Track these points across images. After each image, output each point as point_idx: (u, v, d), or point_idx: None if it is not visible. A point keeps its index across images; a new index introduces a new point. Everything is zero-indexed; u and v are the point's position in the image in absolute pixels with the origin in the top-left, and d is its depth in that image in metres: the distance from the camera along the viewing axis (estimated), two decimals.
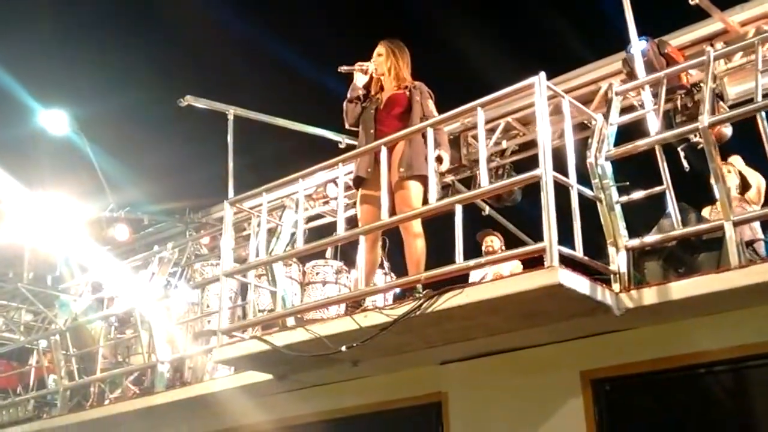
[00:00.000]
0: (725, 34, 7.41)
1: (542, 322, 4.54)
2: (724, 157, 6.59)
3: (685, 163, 5.38)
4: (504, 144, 8.84)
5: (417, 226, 5.25)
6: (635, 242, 4.48)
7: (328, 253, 8.35)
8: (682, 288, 4.16)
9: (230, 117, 7.40)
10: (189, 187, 12.18)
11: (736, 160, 6.80)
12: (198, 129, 11.36)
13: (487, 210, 9.68)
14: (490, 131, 8.96)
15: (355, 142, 8.82)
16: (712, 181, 5.98)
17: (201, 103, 7.36)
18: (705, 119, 4.23)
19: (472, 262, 4.35)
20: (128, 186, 11.63)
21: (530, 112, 8.59)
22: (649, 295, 4.25)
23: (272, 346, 5.11)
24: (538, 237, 4.24)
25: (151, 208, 10.97)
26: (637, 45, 5.83)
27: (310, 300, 7.11)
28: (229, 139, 7.32)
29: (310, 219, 9.20)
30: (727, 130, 6.54)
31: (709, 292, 4.07)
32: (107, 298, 8.43)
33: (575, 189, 4.38)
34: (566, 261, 4.13)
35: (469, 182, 9.40)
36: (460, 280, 4.89)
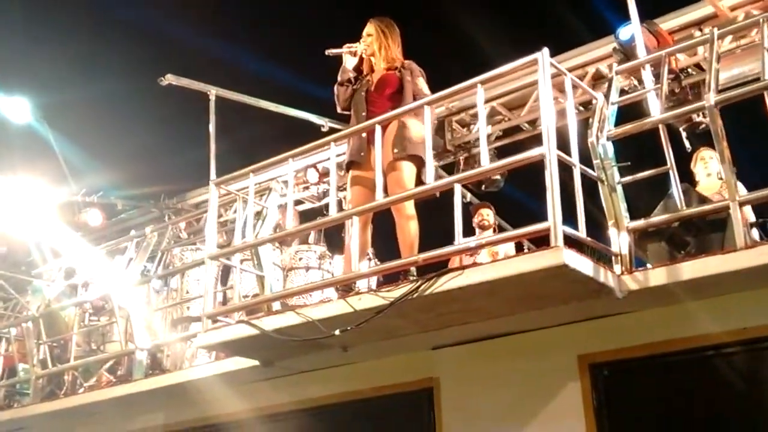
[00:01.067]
0: (714, 19, 7.38)
1: (541, 305, 4.44)
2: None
3: (687, 144, 5.30)
4: (489, 129, 8.75)
5: (410, 208, 5.12)
6: (637, 223, 4.39)
7: (311, 238, 8.21)
8: (686, 269, 4.07)
9: (212, 98, 7.20)
10: (164, 172, 11.92)
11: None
12: (173, 113, 11.11)
13: (469, 197, 9.59)
14: (474, 116, 8.89)
15: (339, 126, 8.78)
16: (707, 163, 5.98)
17: (182, 83, 7.14)
18: (711, 98, 4.14)
19: (472, 243, 4.22)
20: (101, 170, 11.30)
21: (515, 97, 8.56)
22: (653, 277, 4.16)
23: (261, 331, 4.95)
24: (520, 223, 4.20)
25: (125, 192, 10.69)
26: (637, 26, 5.71)
27: (294, 285, 6.96)
28: (211, 119, 7.12)
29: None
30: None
31: (714, 274, 3.99)
32: (81, 283, 8.18)
33: (578, 168, 4.27)
34: (568, 242, 4.02)
35: (452, 168, 9.31)
36: (441, 265, 4.79)
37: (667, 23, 7.34)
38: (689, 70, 7.42)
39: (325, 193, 9.92)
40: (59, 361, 7.95)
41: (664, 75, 4.56)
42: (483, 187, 8.51)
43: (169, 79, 7.07)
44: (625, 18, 7.15)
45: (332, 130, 8.52)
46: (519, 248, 7.21)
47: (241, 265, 6.01)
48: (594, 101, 4.73)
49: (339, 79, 5.56)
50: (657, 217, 4.41)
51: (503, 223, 9.19)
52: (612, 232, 4.41)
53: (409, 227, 5.04)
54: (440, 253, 4.33)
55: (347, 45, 5.59)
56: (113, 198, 10.65)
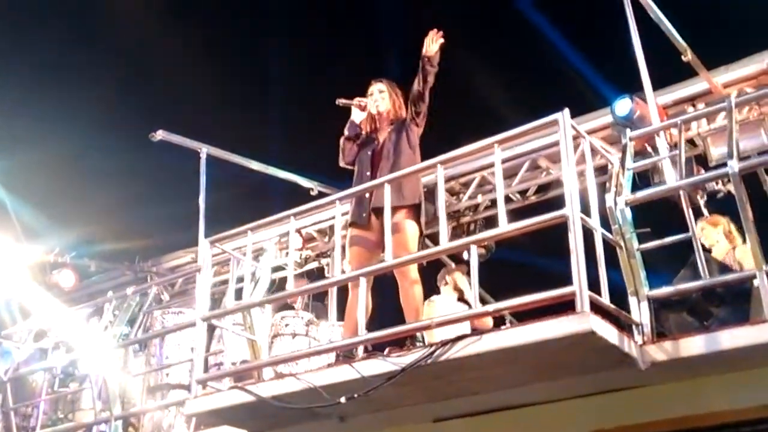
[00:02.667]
0: (707, 95, 7.45)
1: (557, 375, 4.24)
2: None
3: (705, 212, 5.22)
4: (479, 198, 8.66)
5: (414, 272, 4.96)
6: (658, 291, 4.25)
7: (298, 304, 7.95)
8: (711, 341, 3.91)
9: (203, 156, 7.04)
10: (139, 230, 11.54)
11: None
12: (153, 168, 10.87)
13: (454, 266, 9.43)
14: (464, 185, 8.81)
15: (327, 191, 8.63)
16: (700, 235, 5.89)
17: (173, 139, 6.96)
18: (735, 164, 4.07)
19: (490, 307, 4.03)
20: (73, 228, 10.93)
21: (508, 166, 8.50)
22: (677, 348, 3.99)
23: (258, 397, 4.66)
24: (501, 295, 4.06)
25: (101, 247, 10.33)
26: (651, 97, 5.68)
27: (279, 353, 6.67)
28: (202, 178, 6.93)
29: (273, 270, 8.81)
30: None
31: (742, 346, 3.83)
32: (51, 346, 7.77)
33: (599, 233, 4.14)
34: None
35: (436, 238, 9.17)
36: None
37: (661, 98, 7.38)
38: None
39: (307, 260, 9.74)
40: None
41: (682, 142, 4.49)
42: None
43: (160, 134, 6.89)
44: (623, 91, 7.24)
45: (321, 194, 8.39)
46: (500, 322, 7.01)
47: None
48: (610, 166, 4.64)
49: (347, 133, 5.45)
50: (678, 286, 4.27)
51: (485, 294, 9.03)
52: (632, 300, 4.26)
53: (413, 291, 4.86)
54: (454, 318, 4.13)
55: (358, 99, 5.49)
56: (87, 259, 10.30)
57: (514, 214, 9.00)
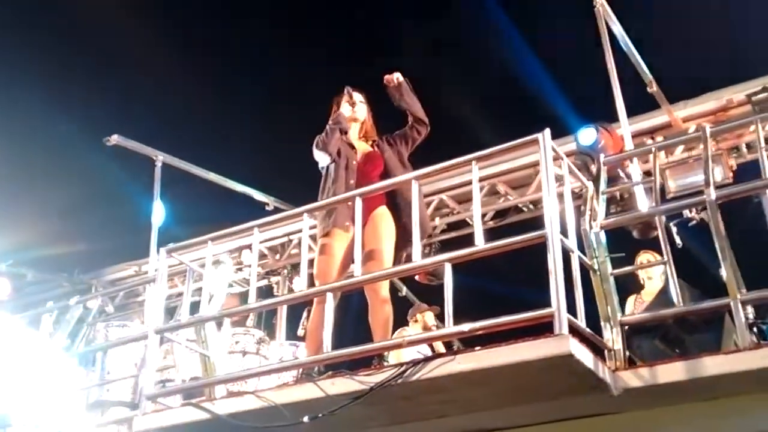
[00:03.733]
0: (666, 129, 7.57)
1: (530, 399, 4.13)
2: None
3: (677, 240, 5.23)
4: (437, 221, 8.61)
5: (384, 290, 4.82)
6: (630, 318, 4.20)
7: (250, 321, 7.72)
8: (685, 368, 3.86)
9: (158, 163, 6.79)
10: (79, 237, 11.09)
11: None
12: (97, 174, 10.49)
13: (404, 291, 9.35)
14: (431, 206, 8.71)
15: (284, 207, 8.45)
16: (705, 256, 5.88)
17: (129, 145, 6.71)
18: (712, 193, 4.07)
19: (465, 327, 3.91)
20: (9, 233, 10.43)
21: (466, 190, 8.45)
22: (650, 375, 3.93)
23: (213, 415, 4.43)
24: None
25: (37, 253, 9.89)
26: (626, 123, 5.71)
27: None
28: (156, 186, 6.69)
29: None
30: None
31: (715, 375, 3.80)
32: None
33: (576, 255, 4.08)
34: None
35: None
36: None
37: (620, 130, 7.45)
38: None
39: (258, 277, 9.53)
40: None
41: (657, 168, 4.49)
42: (427, 279, 8.26)
43: (115, 139, 6.64)
44: (585, 122, 7.28)
45: (276, 210, 8.21)
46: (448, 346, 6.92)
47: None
48: (584, 190, 4.60)
49: (341, 124, 5.19)
50: (650, 313, 4.23)
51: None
52: (604, 325, 4.20)
53: (384, 309, 4.72)
54: (428, 336, 4.00)
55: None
56: (23, 269, 9.87)
57: (470, 239, 9.05)
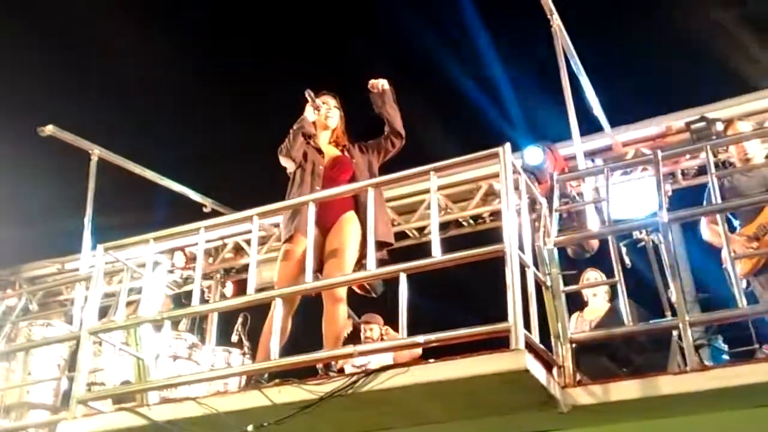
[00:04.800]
0: (605, 152, 7.72)
1: (480, 414, 4.09)
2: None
3: (626, 260, 5.29)
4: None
5: (342, 290, 4.72)
6: (580, 335, 4.22)
7: (183, 325, 7.48)
8: (633, 388, 3.88)
9: (93, 158, 6.53)
10: None
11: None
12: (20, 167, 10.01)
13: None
14: None
15: (222, 210, 8.25)
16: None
17: (64, 137, 6.42)
18: (665, 215, 4.12)
19: (420, 338, 3.85)
20: None
21: (409, 201, 8.42)
22: (599, 392, 3.94)
23: (150, 421, 4.24)
24: None
25: None
26: (579, 142, 5.77)
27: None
28: (91, 181, 6.42)
29: None
30: (595, 243, 6.65)
31: (666, 394, 3.83)
32: None
33: (531, 270, 4.07)
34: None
35: None
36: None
37: (563, 150, 7.56)
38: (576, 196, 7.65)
39: (187, 280, 9.27)
40: None
41: (609, 188, 4.54)
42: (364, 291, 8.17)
43: (50, 130, 6.34)
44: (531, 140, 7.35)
45: (214, 212, 8.01)
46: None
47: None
48: (538, 206, 4.61)
49: (305, 128, 5.05)
50: (601, 330, 4.26)
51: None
52: (554, 341, 4.20)
53: (338, 314, 4.62)
54: (380, 347, 3.92)
55: (321, 99, 5.16)
56: None
57: (409, 251, 9.04)
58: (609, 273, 5.60)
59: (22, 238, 10.71)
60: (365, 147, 5.18)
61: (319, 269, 4.68)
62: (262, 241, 9.08)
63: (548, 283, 4.27)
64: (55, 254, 10.19)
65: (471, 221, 8.33)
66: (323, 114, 5.16)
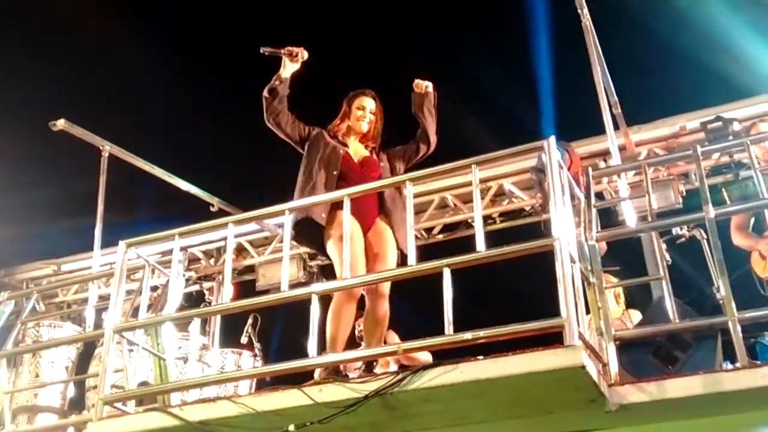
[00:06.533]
0: (620, 152, 7.64)
1: (524, 413, 3.99)
2: None
3: (666, 256, 5.22)
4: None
5: (387, 286, 4.68)
6: (624, 332, 4.14)
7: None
8: (681, 385, 3.80)
9: (105, 154, 6.37)
10: None
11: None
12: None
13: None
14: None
15: (229, 209, 8.07)
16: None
17: (75, 131, 6.25)
18: (710, 210, 4.06)
19: (468, 335, 3.75)
20: None
21: (419, 201, 8.28)
22: (646, 391, 3.85)
23: (183, 421, 4.09)
24: None
25: None
26: (614, 142, 5.71)
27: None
28: (102, 177, 6.25)
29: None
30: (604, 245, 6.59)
31: (714, 392, 3.76)
32: None
33: (578, 265, 3.98)
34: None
35: None
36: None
37: (579, 149, 7.48)
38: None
39: (188, 281, 9.11)
40: None
41: (649, 184, 4.47)
42: None
43: (62, 125, 6.17)
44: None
45: (221, 212, 7.85)
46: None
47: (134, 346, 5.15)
48: (576, 201, 4.54)
49: (279, 91, 4.89)
50: (644, 328, 4.18)
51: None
52: (598, 338, 4.12)
53: (385, 311, 4.54)
54: (429, 344, 3.81)
55: (287, 47, 4.92)
56: None
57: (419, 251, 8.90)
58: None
59: (13, 238, 10.46)
60: (392, 153, 5.10)
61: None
62: (267, 242, 8.96)
63: (591, 280, 4.19)
64: (45, 256, 9.99)
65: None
66: (358, 121, 5.04)
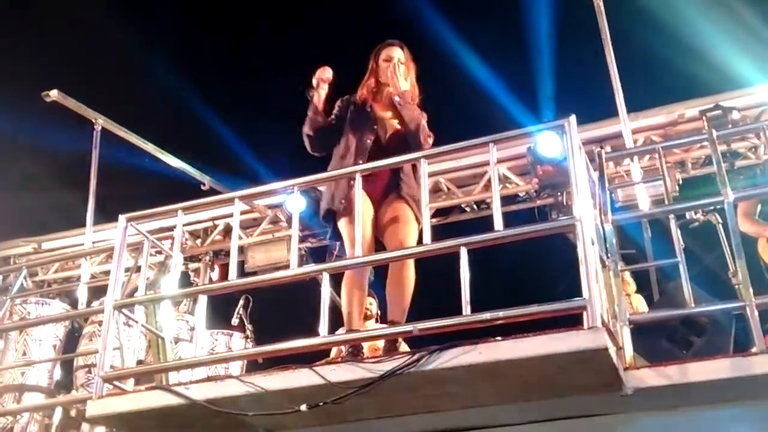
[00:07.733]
0: (615, 139, 7.62)
1: (539, 395, 3.93)
2: None
3: (681, 241, 5.16)
4: None
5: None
6: (638, 317, 4.09)
7: (184, 307, 7.18)
8: (698, 370, 3.77)
9: (97, 127, 6.20)
10: None
11: None
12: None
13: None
14: None
15: (219, 188, 7.93)
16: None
17: (68, 103, 6.07)
18: (730, 194, 4.01)
19: (487, 315, 3.67)
20: None
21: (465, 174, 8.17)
22: (662, 375, 3.80)
23: (188, 400, 3.98)
24: None
25: None
26: (626, 125, 5.64)
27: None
28: (94, 151, 6.08)
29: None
30: None
31: (730, 377, 3.71)
32: None
33: (596, 247, 3.92)
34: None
35: None
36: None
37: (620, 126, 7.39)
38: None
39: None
40: None
41: (664, 168, 4.42)
42: None
43: (54, 96, 5.98)
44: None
45: (212, 191, 7.70)
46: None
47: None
48: (592, 184, 4.47)
49: (318, 121, 4.71)
50: (659, 312, 4.13)
51: None
52: (612, 322, 4.06)
53: (409, 281, 4.44)
54: (444, 324, 3.73)
55: (318, 76, 4.72)
56: None
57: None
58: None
59: None
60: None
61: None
62: (255, 223, 8.82)
63: (606, 263, 4.13)
64: (24, 233, 9.75)
65: (474, 207, 8.18)
66: (386, 74, 4.73)
